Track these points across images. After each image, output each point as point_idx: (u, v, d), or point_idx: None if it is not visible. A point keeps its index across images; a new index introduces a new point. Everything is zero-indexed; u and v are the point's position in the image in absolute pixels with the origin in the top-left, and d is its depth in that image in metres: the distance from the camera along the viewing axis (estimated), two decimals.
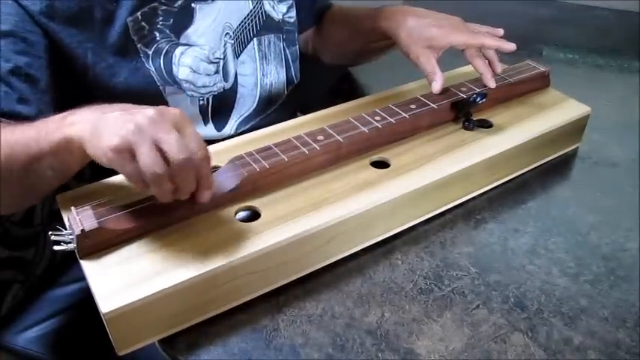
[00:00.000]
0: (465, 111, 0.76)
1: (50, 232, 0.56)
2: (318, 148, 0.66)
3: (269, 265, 0.58)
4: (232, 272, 0.56)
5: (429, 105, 0.74)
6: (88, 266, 0.54)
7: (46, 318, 0.81)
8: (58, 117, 0.57)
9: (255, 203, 0.62)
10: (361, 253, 0.66)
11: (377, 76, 1.06)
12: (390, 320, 0.59)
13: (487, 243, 0.68)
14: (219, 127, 0.82)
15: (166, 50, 0.73)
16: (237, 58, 0.81)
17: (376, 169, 0.68)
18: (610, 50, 1.18)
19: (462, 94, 0.76)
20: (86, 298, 0.56)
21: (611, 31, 1.28)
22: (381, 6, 0.84)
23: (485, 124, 0.77)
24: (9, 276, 0.82)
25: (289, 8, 0.87)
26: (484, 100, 0.74)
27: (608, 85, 1.07)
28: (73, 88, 0.70)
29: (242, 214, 0.61)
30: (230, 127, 0.83)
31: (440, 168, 0.68)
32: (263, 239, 0.57)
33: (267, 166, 0.62)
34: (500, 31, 0.80)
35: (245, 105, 0.84)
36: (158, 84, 0.74)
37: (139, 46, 0.72)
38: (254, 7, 0.82)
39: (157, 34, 0.73)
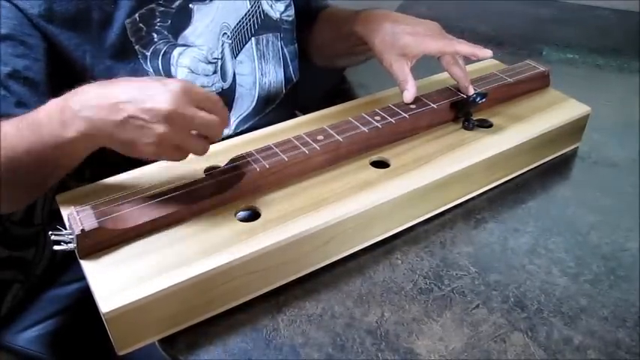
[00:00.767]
0: (464, 111, 0.76)
1: (50, 232, 0.56)
2: (318, 148, 0.66)
3: (269, 265, 0.58)
4: (232, 272, 0.56)
5: (429, 105, 0.74)
6: (87, 266, 0.54)
7: (46, 318, 0.81)
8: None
9: (255, 203, 0.62)
10: (361, 253, 0.66)
11: (377, 76, 1.06)
12: (390, 320, 0.59)
13: (487, 243, 0.68)
14: None
15: (164, 51, 0.73)
16: (235, 57, 0.81)
17: (376, 169, 0.68)
18: (610, 50, 1.18)
19: (461, 94, 0.76)
20: (86, 298, 0.56)
21: (611, 31, 1.28)
22: (364, 8, 0.81)
23: (485, 124, 0.77)
24: (9, 276, 0.82)
25: (287, 7, 0.87)
26: (484, 100, 0.74)
27: (608, 85, 1.07)
28: None
29: (242, 214, 0.61)
30: (229, 126, 0.83)
31: (440, 168, 0.68)
32: (263, 239, 0.57)
33: (267, 166, 0.63)
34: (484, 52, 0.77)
35: (244, 104, 0.84)
36: None
37: (137, 47, 0.72)
38: (252, 7, 0.82)
39: (155, 36, 0.73)
